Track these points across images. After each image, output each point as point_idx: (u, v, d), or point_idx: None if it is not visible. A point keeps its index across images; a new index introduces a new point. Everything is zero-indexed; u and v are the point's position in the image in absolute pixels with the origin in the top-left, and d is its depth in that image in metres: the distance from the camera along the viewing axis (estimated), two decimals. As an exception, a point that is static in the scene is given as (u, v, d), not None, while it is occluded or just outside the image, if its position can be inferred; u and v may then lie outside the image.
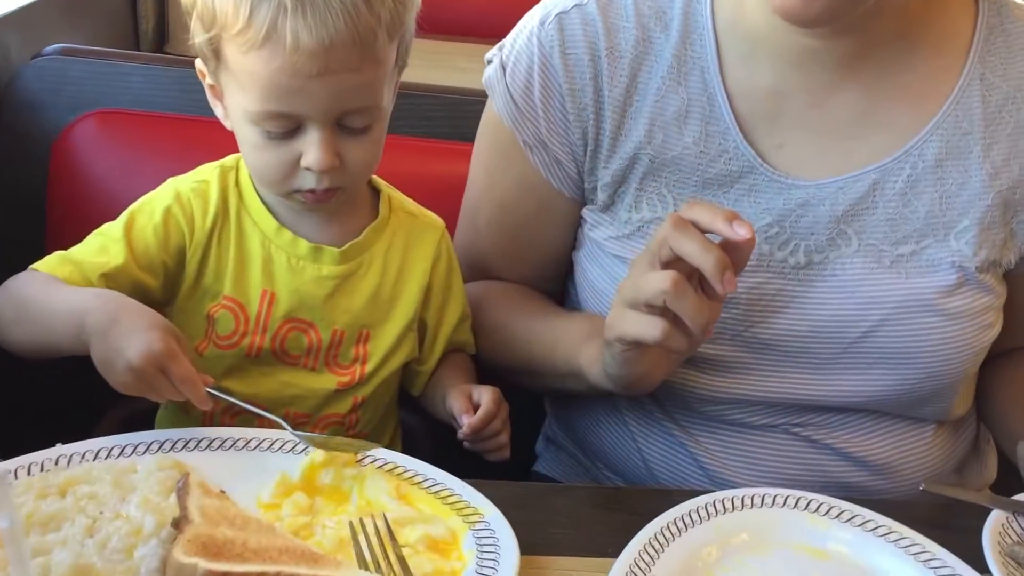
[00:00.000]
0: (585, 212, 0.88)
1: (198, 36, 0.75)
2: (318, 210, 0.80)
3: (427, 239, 0.86)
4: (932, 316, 0.80)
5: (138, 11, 1.77)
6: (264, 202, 0.82)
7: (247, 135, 0.76)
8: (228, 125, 0.79)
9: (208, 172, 0.83)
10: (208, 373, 0.72)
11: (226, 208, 0.81)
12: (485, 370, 0.91)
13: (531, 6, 0.87)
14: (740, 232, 0.67)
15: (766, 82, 0.81)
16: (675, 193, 0.82)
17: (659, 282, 0.68)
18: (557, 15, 0.84)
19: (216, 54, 0.74)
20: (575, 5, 0.84)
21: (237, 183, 0.82)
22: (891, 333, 0.80)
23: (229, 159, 0.84)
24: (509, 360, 0.90)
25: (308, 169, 0.75)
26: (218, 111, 0.80)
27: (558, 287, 0.94)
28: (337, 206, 0.79)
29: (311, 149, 0.75)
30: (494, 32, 0.95)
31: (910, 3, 0.78)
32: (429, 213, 0.88)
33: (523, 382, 0.91)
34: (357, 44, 0.72)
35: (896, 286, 0.80)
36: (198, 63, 0.79)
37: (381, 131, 0.79)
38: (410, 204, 0.87)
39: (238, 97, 0.74)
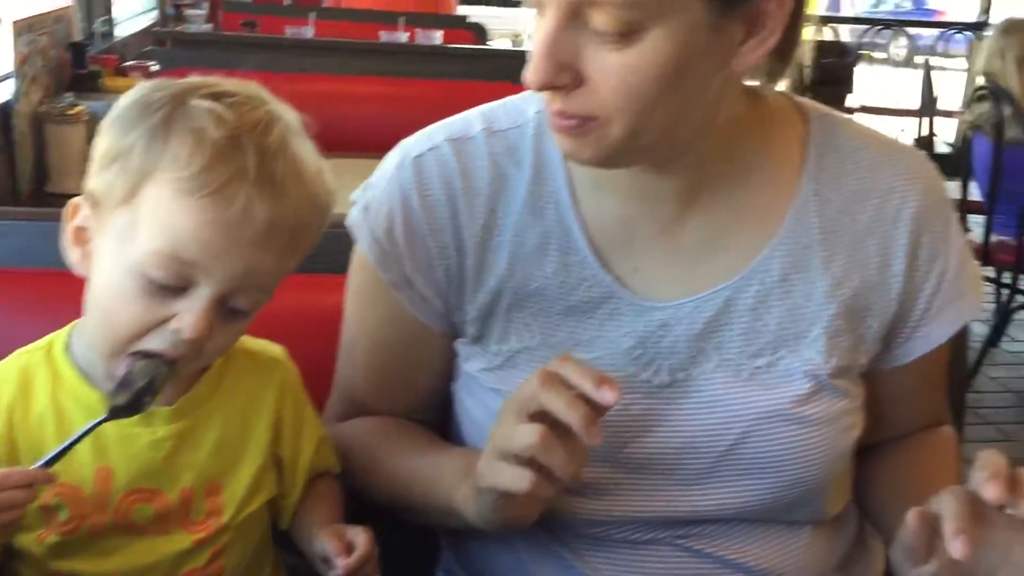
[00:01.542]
0: (458, 345, 0.88)
1: (106, 172, 0.72)
2: None
3: (271, 375, 0.84)
4: (791, 425, 0.82)
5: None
6: (83, 373, 0.77)
7: (119, 284, 0.72)
8: (82, 271, 0.76)
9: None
10: (50, 560, 0.70)
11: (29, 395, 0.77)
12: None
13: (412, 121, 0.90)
14: (607, 399, 0.68)
15: (615, 212, 0.84)
16: (541, 322, 0.84)
17: (527, 435, 0.69)
18: (413, 158, 0.86)
19: (129, 193, 0.71)
20: (429, 148, 0.86)
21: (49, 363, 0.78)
22: (755, 444, 0.82)
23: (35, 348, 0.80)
24: (389, 499, 0.89)
25: (175, 331, 0.71)
26: (73, 256, 0.76)
27: (439, 417, 0.93)
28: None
29: (189, 314, 0.71)
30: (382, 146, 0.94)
31: (740, 135, 0.81)
32: (268, 345, 0.86)
33: (408, 519, 0.90)
34: (295, 233, 0.73)
35: (755, 398, 0.82)
36: (74, 202, 0.76)
37: (247, 323, 0.77)
38: (248, 342, 0.84)
39: (133, 242, 0.71)
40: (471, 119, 0.87)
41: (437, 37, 3.39)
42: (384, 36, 3.31)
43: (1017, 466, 0.69)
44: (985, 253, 3.06)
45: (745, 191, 0.83)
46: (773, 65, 0.79)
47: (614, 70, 0.70)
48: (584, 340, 0.84)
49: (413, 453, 0.88)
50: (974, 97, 3.02)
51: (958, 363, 1.11)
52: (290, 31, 3.22)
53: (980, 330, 3.36)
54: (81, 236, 0.76)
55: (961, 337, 1.09)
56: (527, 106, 0.86)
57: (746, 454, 0.82)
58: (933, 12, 13.67)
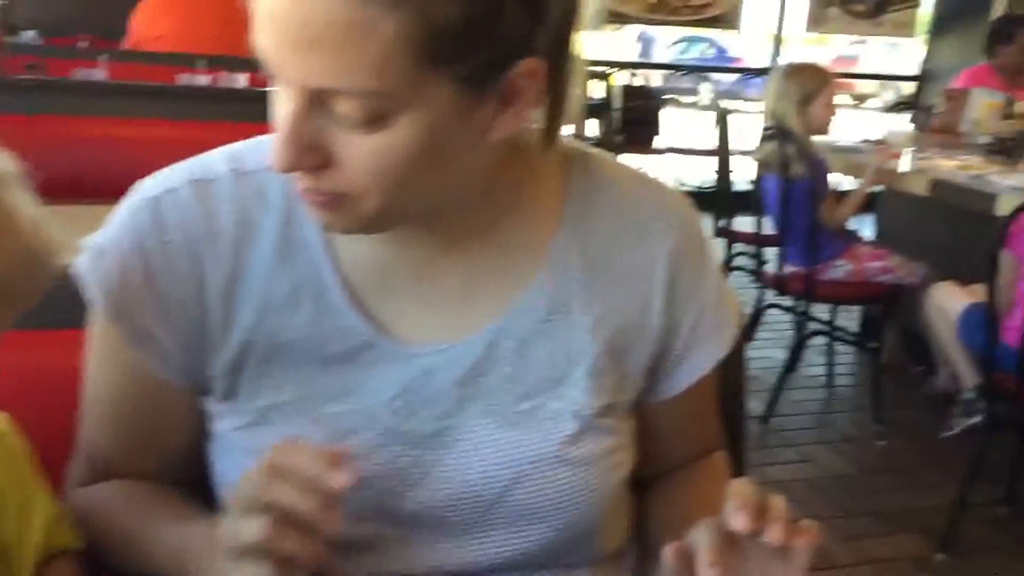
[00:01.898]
0: (207, 403, 0.83)
1: None
2: None
3: None
4: (561, 467, 0.81)
5: None
6: None
7: None
8: None
9: None
10: None
11: None
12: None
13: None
14: (340, 482, 0.65)
15: (372, 256, 0.81)
16: (295, 376, 0.79)
17: (253, 531, 0.65)
18: (149, 200, 0.80)
19: None
20: (166, 190, 0.80)
21: None
22: (526, 489, 0.80)
23: None
24: (139, 569, 0.82)
25: None
26: None
27: (193, 477, 0.87)
28: None
29: None
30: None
31: (497, 180, 0.80)
32: None
33: None
34: (7, 288, 0.68)
35: (523, 443, 0.81)
36: None
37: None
38: None
39: None
40: (216, 159, 0.82)
41: (242, 80, 3.29)
42: (182, 79, 3.18)
43: (769, 493, 0.71)
44: (780, 284, 3.23)
45: (503, 232, 0.82)
46: (545, 126, 0.78)
47: (363, 153, 0.67)
48: (342, 392, 0.80)
49: (161, 519, 0.82)
50: (762, 137, 3.20)
51: (729, 387, 1.15)
52: (80, 74, 3.05)
53: (780, 356, 3.55)
54: None
55: (736, 365, 1.14)
56: None
57: (517, 500, 0.80)
58: (733, 59, 14.57)
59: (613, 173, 0.87)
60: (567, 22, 0.72)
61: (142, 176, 0.83)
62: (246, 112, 2.50)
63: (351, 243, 0.80)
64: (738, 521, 0.67)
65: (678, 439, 0.95)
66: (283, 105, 0.67)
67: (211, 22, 3.90)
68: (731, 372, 1.14)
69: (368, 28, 0.61)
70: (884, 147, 3.20)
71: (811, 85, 3.09)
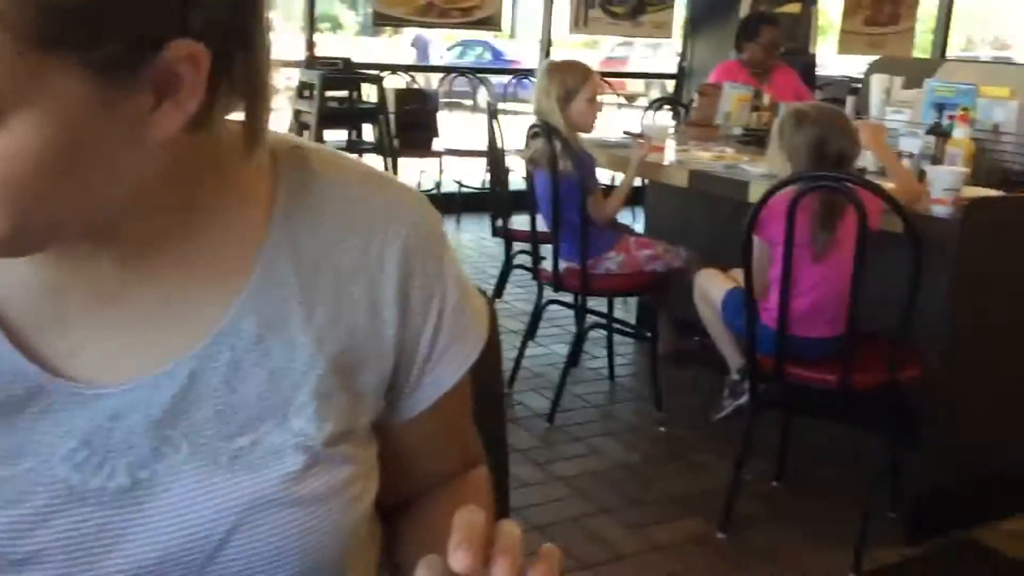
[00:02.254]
0: None
1: None
2: None
3: None
4: (287, 509, 0.70)
5: None
6: None
7: None
8: None
9: None
10: None
11: None
12: None
13: None
14: None
15: (40, 283, 0.68)
16: None
17: None
18: None
19: None
20: None
21: None
22: (250, 537, 0.69)
23: None
24: None
25: None
26: None
27: None
28: None
29: None
30: None
31: (185, 176, 0.68)
32: None
33: None
34: None
35: (241, 485, 0.69)
36: None
37: None
38: None
39: None
40: None
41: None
42: None
43: (504, 521, 0.63)
44: (557, 280, 3.25)
45: (203, 243, 0.70)
46: (246, 124, 0.67)
47: None
48: (9, 452, 0.66)
49: None
50: (529, 135, 3.21)
51: (493, 394, 1.09)
52: None
53: (564, 352, 3.58)
54: None
55: (491, 372, 1.08)
56: None
57: (240, 552, 0.69)
58: (511, 62, 14.85)
59: (332, 169, 0.76)
60: (238, 2, 0.62)
61: None
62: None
63: (14, 271, 0.66)
64: (458, 559, 0.59)
65: (430, 458, 0.86)
66: None
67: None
68: (488, 377, 1.09)
69: None
70: (643, 141, 3.28)
71: (571, 82, 3.12)
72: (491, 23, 6.26)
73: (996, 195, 2.67)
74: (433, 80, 7.05)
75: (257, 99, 0.67)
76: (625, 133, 3.33)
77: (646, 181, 3.88)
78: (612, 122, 6.37)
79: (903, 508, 2.63)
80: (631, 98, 16.01)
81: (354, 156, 0.81)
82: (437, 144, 6.23)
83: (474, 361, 0.82)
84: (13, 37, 0.52)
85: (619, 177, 3.40)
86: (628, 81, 13.05)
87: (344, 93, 5.52)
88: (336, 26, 22.31)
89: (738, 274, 2.71)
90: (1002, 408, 2.64)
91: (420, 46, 16.18)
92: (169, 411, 0.68)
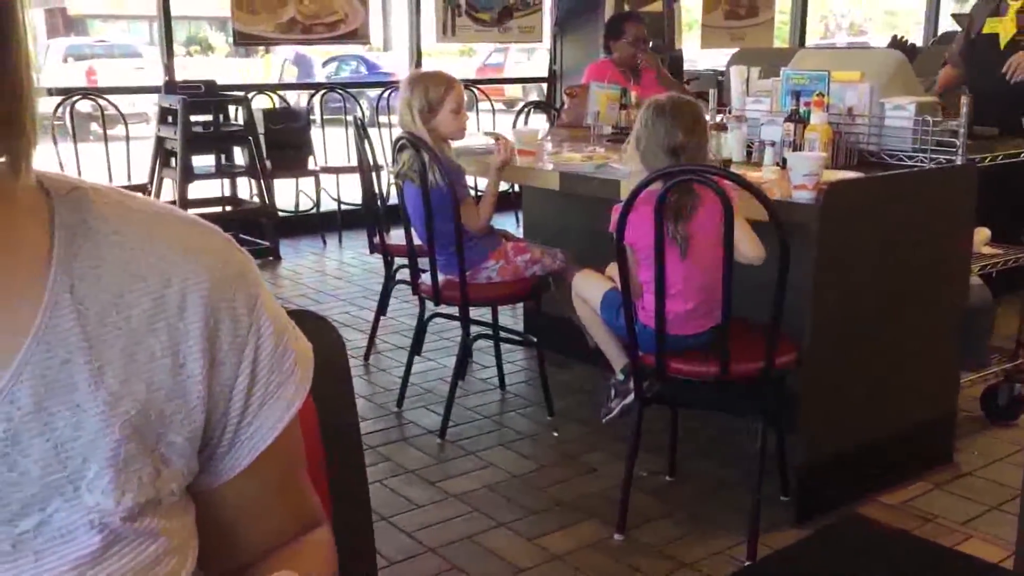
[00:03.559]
0: None
1: None
2: None
3: None
4: None
5: None
6: None
7: None
8: None
9: None
10: None
11: None
12: None
13: None
14: None
15: None
16: None
17: None
18: None
19: None
20: None
21: None
22: None
23: None
24: None
25: None
26: None
27: None
28: None
29: None
30: None
31: None
32: None
33: None
34: None
35: (28, 573, 0.62)
36: None
37: None
38: None
39: None
40: None
41: None
42: None
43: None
44: (437, 294, 3.20)
45: None
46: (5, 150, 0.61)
47: None
48: None
49: None
50: (396, 148, 3.14)
51: (348, 447, 1.02)
52: None
53: (451, 364, 3.52)
54: None
55: (343, 423, 1.01)
56: None
57: None
58: (387, 75, 14.73)
59: (116, 211, 0.69)
60: None
61: None
62: None
63: None
64: None
65: (258, 523, 0.79)
66: None
67: None
68: (342, 428, 1.02)
69: None
70: (503, 142, 3.26)
71: (433, 93, 3.07)
72: (358, 36, 6.17)
73: (852, 176, 2.74)
74: (306, 98, 6.91)
75: (16, 102, 0.60)
76: (486, 134, 3.29)
77: (515, 186, 3.86)
78: (494, 128, 6.36)
79: (792, 489, 2.67)
80: (510, 103, 16.13)
81: (146, 196, 0.74)
82: (312, 163, 6.10)
83: (295, 411, 0.75)
84: None
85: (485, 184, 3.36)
86: (507, 86, 13.11)
87: (209, 117, 5.33)
88: (207, 48, 21.75)
89: (614, 273, 2.71)
90: (872, 383, 2.71)
91: (302, 64, 15.92)
92: None
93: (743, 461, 2.83)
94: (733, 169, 2.73)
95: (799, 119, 3.01)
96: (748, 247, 2.37)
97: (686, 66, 7.21)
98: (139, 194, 0.73)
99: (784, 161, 2.82)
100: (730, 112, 3.40)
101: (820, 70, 3.10)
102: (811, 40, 9.96)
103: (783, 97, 3.15)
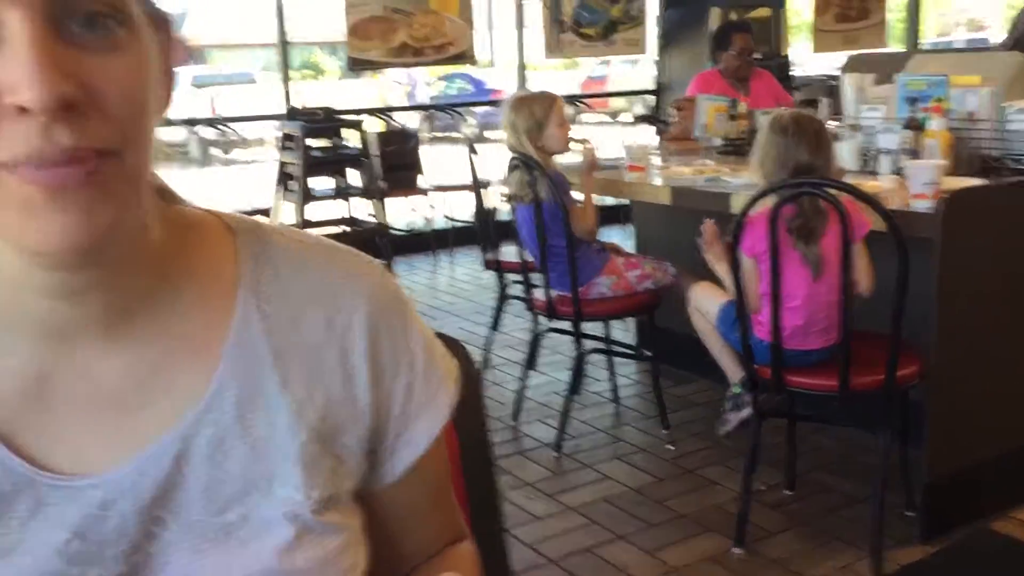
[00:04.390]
0: None
1: None
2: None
3: None
4: None
5: None
6: None
7: None
8: None
9: None
10: None
11: None
12: None
13: None
14: None
15: (22, 369, 0.68)
16: None
17: None
18: None
19: None
20: None
21: None
22: None
23: None
24: None
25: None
26: None
27: None
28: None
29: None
30: None
31: (166, 246, 0.71)
32: None
33: None
34: None
35: (235, 560, 0.70)
36: None
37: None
38: None
39: None
40: None
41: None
42: None
43: None
44: (551, 309, 3.26)
45: (178, 318, 0.71)
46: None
47: (119, 76, 0.58)
48: (3, 548, 0.66)
49: None
50: (508, 168, 3.22)
51: (481, 461, 1.08)
52: None
53: (565, 378, 3.57)
54: None
55: (476, 441, 1.07)
56: None
57: None
58: (492, 91, 14.96)
59: (291, 244, 0.78)
60: None
61: None
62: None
63: None
64: None
65: (414, 532, 0.86)
66: (15, 35, 0.54)
67: None
68: (474, 445, 1.08)
69: None
70: (589, 146, 3.32)
71: (539, 112, 3.14)
72: (465, 57, 6.31)
73: (975, 184, 2.67)
74: (416, 117, 7.10)
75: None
76: (571, 139, 3.35)
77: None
78: (601, 141, 6.41)
79: (918, 504, 2.61)
80: (615, 114, 16.13)
81: (312, 231, 0.84)
82: (423, 182, 6.26)
83: (444, 423, 0.83)
84: None
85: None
86: (610, 98, 13.15)
87: (327, 142, 5.54)
88: (319, 72, 22.49)
89: (712, 291, 2.72)
90: (1001, 395, 2.63)
91: (409, 83, 16.34)
92: (157, 493, 0.69)
93: (866, 475, 2.79)
94: (848, 179, 2.70)
95: (917, 126, 2.95)
96: (861, 275, 2.35)
97: (795, 71, 7.10)
98: (305, 230, 0.82)
99: (902, 170, 2.77)
100: (844, 121, 3.35)
101: (937, 75, 3.04)
102: (927, 38, 9.66)
103: (899, 104, 3.10)
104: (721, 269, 2.65)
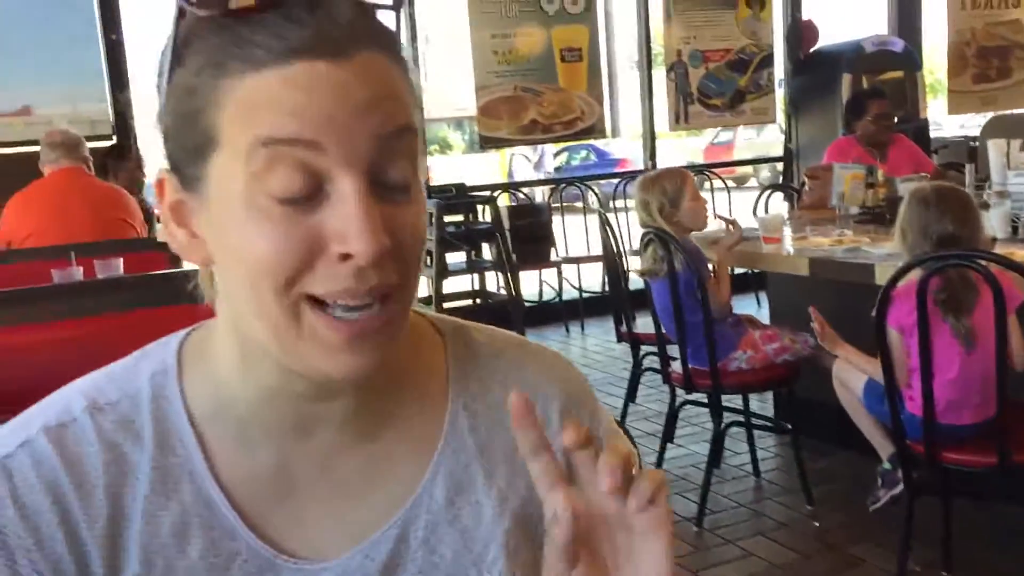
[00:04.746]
0: None
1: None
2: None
3: None
4: None
5: None
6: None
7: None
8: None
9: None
10: None
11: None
12: None
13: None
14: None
15: (268, 461, 0.75)
16: None
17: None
18: (0, 460, 0.72)
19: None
20: (21, 444, 0.72)
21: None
22: None
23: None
24: None
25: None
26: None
27: None
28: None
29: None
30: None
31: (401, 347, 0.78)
32: None
33: None
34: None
35: None
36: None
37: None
38: None
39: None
40: (71, 397, 0.75)
41: (118, 266, 3.22)
42: (57, 276, 3.10)
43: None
44: (688, 381, 3.26)
45: (400, 414, 0.79)
46: None
47: (409, 222, 0.66)
48: None
49: None
50: (642, 244, 3.27)
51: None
52: (-55, 286, 2.94)
53: (704, 452, 3.54)
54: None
55: None
56: (137, 372, 0.76)
57: None
58: (617, 161, 15.10)
59: (488, 339, 0.86)
60: None
61: (40, 385, 0.76)
62: (137, 298, 2.46)
63: (242, 455, 0.75)
64: (604, 481, 0.64)
65: None
66: (347, 193, 0.63)
67: (80, 210, 3.85)
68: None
69: (404, 90, 0.67)
70: (734, 228, 3.33)
71: (671, 189, 3.18)
72: (594, 131, 6.44)
73: None
74: (545, 191, 7.25)
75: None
76: (717, 217, 3.37)
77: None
78: (726, 209, 6.40)
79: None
80: (741, 180, 16.00)
81: (505, 330, 0.91)
82: (554, 254, 6.37)
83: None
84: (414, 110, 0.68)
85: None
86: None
87: (460, 217, 5.73)
88: (446, 147, 23.19)
89: (876, 360, 2.67)
90: None
91: (535, 153, 16.70)
92: (382, 573, 0.76)
93: (1030, 556, 2.65)
94: (998, 248, 2.64)
95: (1069, 191, 2.86)
96: (1016, 348, 2.28)
97: (932, 133, 6.93)
98: (499, 329, 0.89)
99: (1055, 236, 2.69)
100: (991, 187, 3.27)
101: (1090, 137, 2.94)
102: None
103: (1049, 168, 3.01)
104: (843, 352, 2.63)
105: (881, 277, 2.68)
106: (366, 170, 0.64)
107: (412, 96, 0.68)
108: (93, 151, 4.20)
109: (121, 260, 3.28)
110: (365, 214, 0.62)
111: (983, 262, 2.24)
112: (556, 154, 17.11)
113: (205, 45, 0.64)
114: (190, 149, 0.66)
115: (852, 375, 2.77)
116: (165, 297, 2.38)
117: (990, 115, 6.54)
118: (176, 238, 0.70)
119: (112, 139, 5.20)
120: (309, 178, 0.63)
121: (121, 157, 4.75)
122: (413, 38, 5.99)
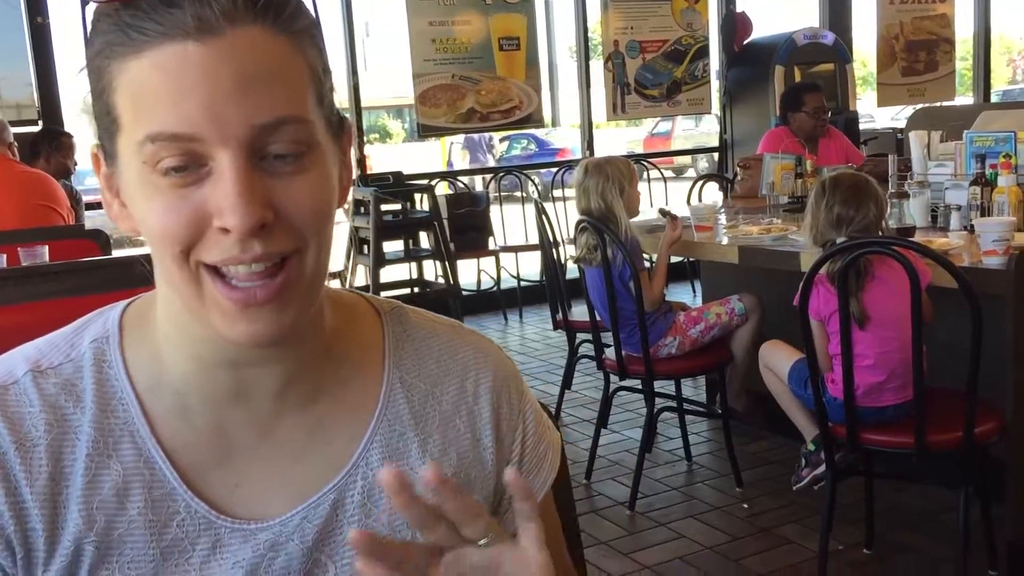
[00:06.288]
0: None
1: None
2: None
3: None
4: None
5: None
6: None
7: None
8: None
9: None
10: None
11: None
12: None
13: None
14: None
15: (207, 428, 0.78)
16: (133, 573, 0.76)
17: None
18: None
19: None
20: None
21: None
22: None
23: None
24: None
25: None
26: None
27: None
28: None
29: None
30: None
31: (330, 325, 0.82)
32: None
33: None
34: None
35: None
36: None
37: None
38: None
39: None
40: (13, 362, 0.78)
41: (43, 254, 3.16)
42: (-8, 261, 3.02)
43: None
44: (622, 368, 3.30)
45: (337, 383, 0.83)
46: None
47: (303, 194, 0.69)
48: None
49: None
50: (577, 231, 3.30)
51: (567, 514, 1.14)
52: None
53: (636, 435, 3.60)
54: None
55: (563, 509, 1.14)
56: (80, 338, 0.79)
57: None
58: (556, 150, 15.15)
59: (423, 321, 0.90)
60: None
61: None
62: (63, 288, 2.41)
63: (182, 418, 0.77)
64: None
65: None
66: (224, 170, 0.66)
67: (1, 197, 3.75)
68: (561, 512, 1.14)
69: (289, 65, 0.68)
70: (676, 221, 3.37)
71: (619, 174, 3.22)
72: (532, 121, 6.46)
73: (1048, 239, 2.67)
74: (483, 180, 7.25)
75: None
76: (660, 212, 3.42)
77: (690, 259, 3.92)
78: (663, 198, 6.47)
79: (1002, 563, 2.57)
80: (679, 171, 16.19)
81: (440, 315, 0.95)
82: (492, 243, 6.38)
83: (550, 485, 0.92)
84: (311, 90, 0.71)
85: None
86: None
87: (398, 206, 5.71)
88: (385, 135, 23.05)
89: (783, 349, 2.75)
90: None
91: (473, 144, 16.66)
92: (318, 537, 0.79)
93: (948, 533, 2.75)
94: (918, 236, 2.72)
95: (985, 182, 2.96)
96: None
97: (862, 125, 7.10)
98: (434, 315, 0.93)
99: (972, 226, 2.78)
100: (912, 177, 3.37)
101: (1004, 131, 3.05)
102: (997, 86, 9.55)
103: (967, 160, 3.11)
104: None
105: (805, 264, 2.74)
106: (245, 146, 0.66)
107: (308, 71, 0.70)
108: (19, 136, 4.10)
109: (47, 248, 3.21)
110: (239, 190, 0.66)
111: (898, 248, 2.31)
112: (491, 143, 17.11)
113: (102, 28, 0.68)
114: (104, 127, 0.70)
115: (777, 360, 2.84)
116: (94, 285, 2.35)
117: (919, 107, 6.72)
118: (112, 207, 0.74)
119: (38, 124, 5.08)
120: (192, 161, 0.67)
121: (55, 141, 4.65)
122: (350, 24, 5.94)
